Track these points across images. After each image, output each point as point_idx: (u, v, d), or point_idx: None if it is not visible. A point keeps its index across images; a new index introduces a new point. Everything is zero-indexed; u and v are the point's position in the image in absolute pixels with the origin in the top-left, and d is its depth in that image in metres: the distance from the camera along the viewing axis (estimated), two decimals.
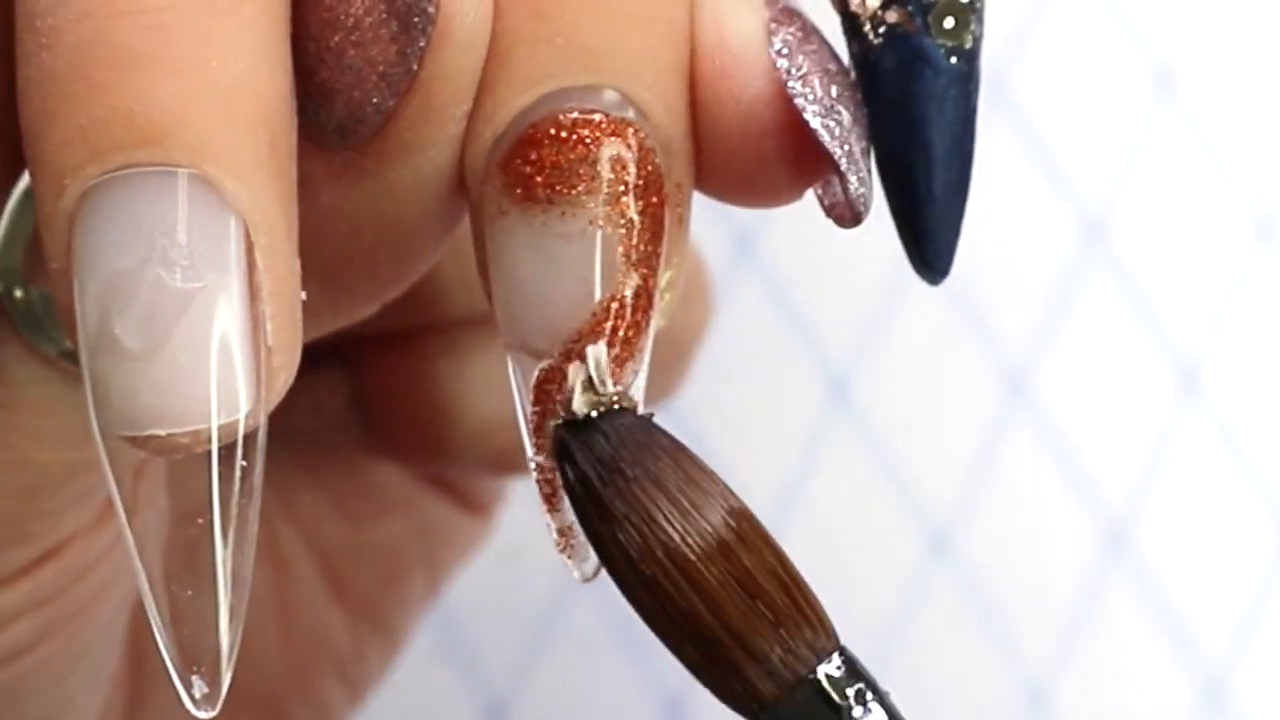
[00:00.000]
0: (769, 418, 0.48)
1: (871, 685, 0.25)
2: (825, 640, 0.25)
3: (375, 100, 0.25)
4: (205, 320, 0.23)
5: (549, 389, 0.26)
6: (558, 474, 0.26)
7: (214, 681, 0.25)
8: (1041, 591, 0.49)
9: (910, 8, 0.26)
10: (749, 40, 0.26)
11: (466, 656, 0.45)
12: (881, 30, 0.26)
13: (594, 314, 0.25)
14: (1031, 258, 0.50)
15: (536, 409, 0.26)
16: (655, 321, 0.26)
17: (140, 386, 0.23)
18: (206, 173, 0.23)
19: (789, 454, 0.48)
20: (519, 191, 0.25)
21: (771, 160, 0.26)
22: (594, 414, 0.25)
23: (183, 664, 0.25)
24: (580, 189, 0.25)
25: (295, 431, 0.35)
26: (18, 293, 0.27)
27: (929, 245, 0.27)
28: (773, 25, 0.26)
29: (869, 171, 0.26)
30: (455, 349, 0.35)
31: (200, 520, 0.24)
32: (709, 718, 0.45)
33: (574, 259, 0.25)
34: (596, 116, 0.25)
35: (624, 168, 0.25)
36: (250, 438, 0.24)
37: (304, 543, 0.36)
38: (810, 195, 0.27)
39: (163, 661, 0.25)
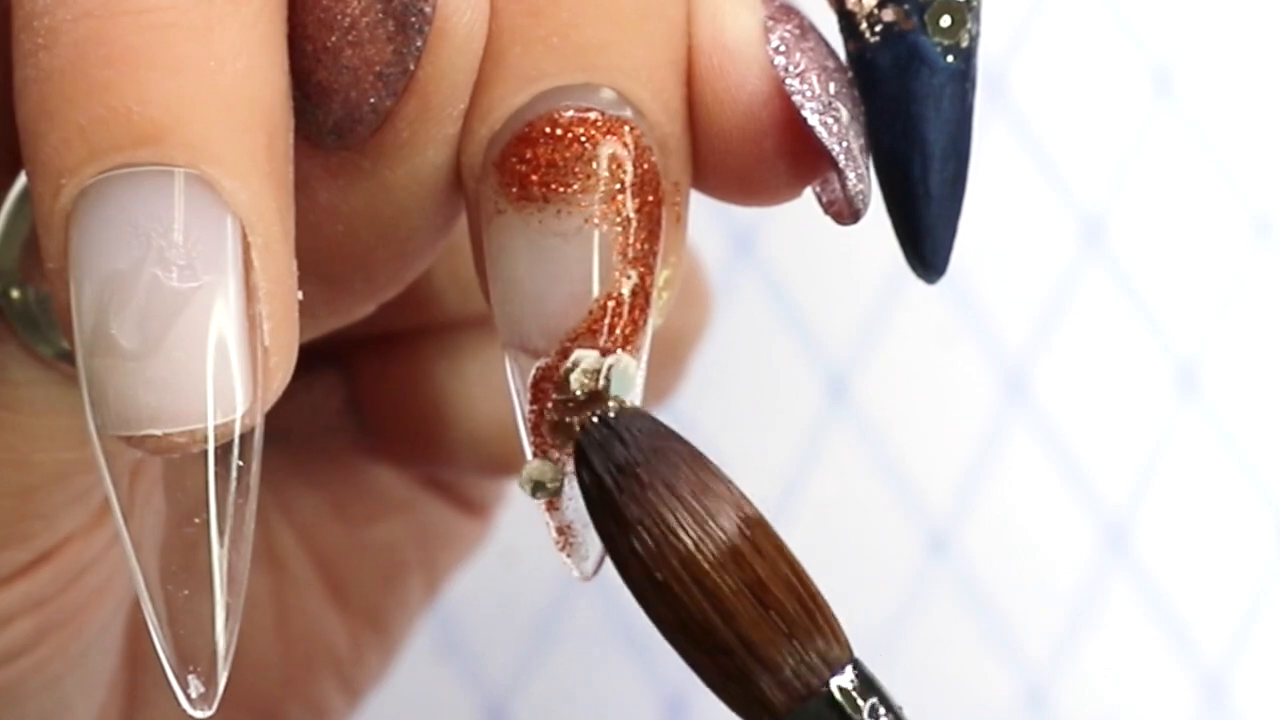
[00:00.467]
0: (769, 417, 0.48)
1: (885, 699, 0.25)
2: (839, 651, 0.25)
3: (372, 100, 0.25)
4: (202, 320, 0.23)
5: (545, 388, 0.26)
6: (565, 459, 0.26)
7: (210, 681, 0.25)
8: (1041, 591, 0.49)
9: (907, 6, 0.26)
10: (747, 38, 0.26)
11: (466, 656, 0.45)
12: (878, 29, 0.26)
13: (590, 312, 0.25)
14: (1030, 257, 0.50)
15: (534, 408, 0.26)
16: (653, 320, 0.26)
17: (137, 386, 0.23)
18: (205, 173, 0.23)
19: (788, 453, 0.48)
20: (515, 190, 0.25)
21: (770, 158, 0.26)
22: (611, 416, 0.25)
23: (179, 664, 0.25)
24: (576, 187, 0.25)
25: (291, 433, 0.35)
26: (14, 293, 0.27)
27: (925, 243, 0.27)
28: (770, 23, 0.26)
29: (867, 169, 0.26)
30: (450, 352, 0.35)
31: (197, 520, 0.24)
32: (709, 718, 0.45)
33: (570, 257, 0.25)
34: (592, 115, 0.25)
35: (620, 166, 0.25)
36: (247, 437, 0.24)
37: (301, 544, 0.36)
38: (809, 194, 0.27)
39: (159, 661, 0.25)
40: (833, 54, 0.26)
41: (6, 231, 0.27)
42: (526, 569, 0.45)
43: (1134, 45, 0.52)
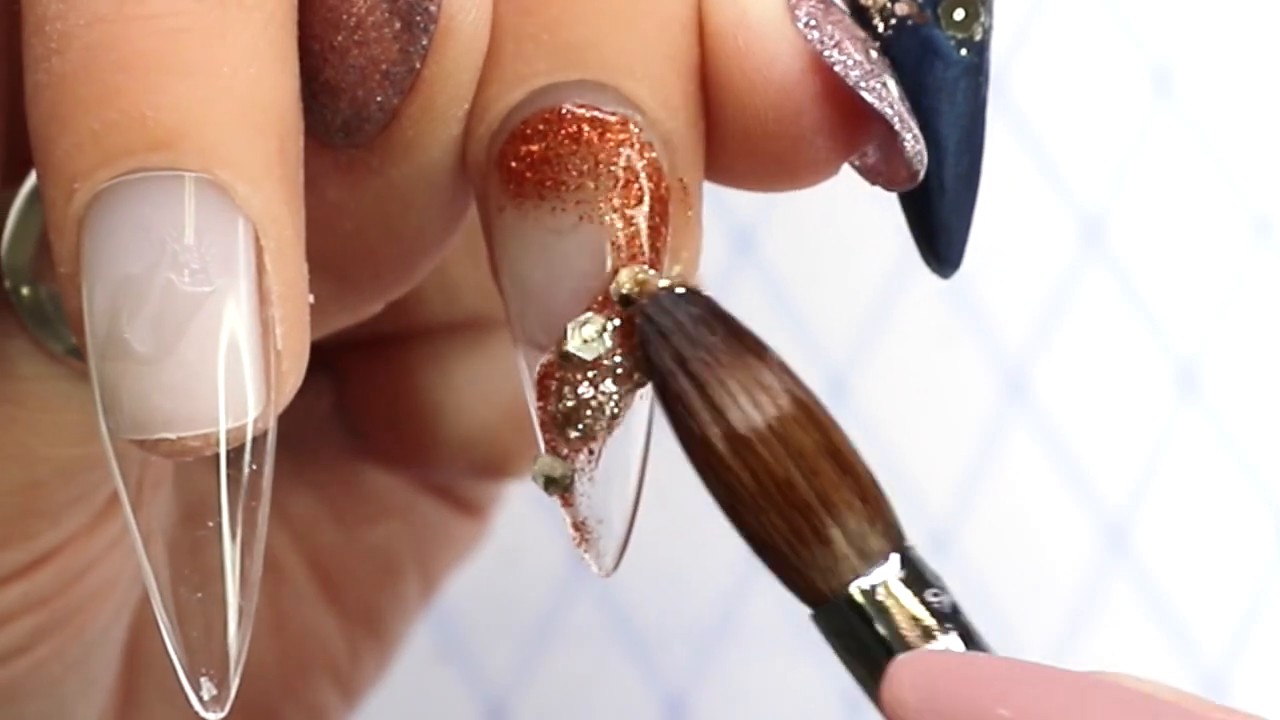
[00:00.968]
0: None
1: (939, 581, 0.26)
2: (899, 530, 0.26)
3: (379, 99, 0.25)
4: (215, 324, 0.23)
5: (549, 383, 0.26)
6: (575, 455, 0.26)
7: (222, 683, 0.25)
8: (1041, 591, 0.49)
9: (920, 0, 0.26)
10: (771, 15, 0.25)
11: (466, 656, 0.45)
12: (891, 22, 0.26)
13: (590, 308, 0.25)
14: (1031, 257, 0.50)
15: (540, 404, 0.26)
16: None
17: (151, 390, 0.23)
18: (218, 177, 0.23)
19: None
20: (512, 187, 0.25)
21: (808, 135, 0.26)
22: (677, 291, 0.25)
23: (191, 666, 0.25)
24: (569, 184, 0.25)
25: (282, 436, 0.35)
26: (25, 290, 0.27)
27: (940, 238, 0.27)
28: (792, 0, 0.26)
29: (919, 128, 0.26)
30: (438, 356, 0.35)
31: (209, 523, 0.24)
32: (709, 718, 0.45)
33: (567, 253, 0.25)
34: (584, 112, 0.25)
35: (614, 162, 0.25)
36: (259, 440, 0.24)
37: (296, 547, 0.36)
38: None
39: (170, 663, 0.25)
40: (857, 24, 0.26)
41: (17, 229, 0.27)
42: (526, 569, 0.45)
43: (1134, 45, 0.52)
